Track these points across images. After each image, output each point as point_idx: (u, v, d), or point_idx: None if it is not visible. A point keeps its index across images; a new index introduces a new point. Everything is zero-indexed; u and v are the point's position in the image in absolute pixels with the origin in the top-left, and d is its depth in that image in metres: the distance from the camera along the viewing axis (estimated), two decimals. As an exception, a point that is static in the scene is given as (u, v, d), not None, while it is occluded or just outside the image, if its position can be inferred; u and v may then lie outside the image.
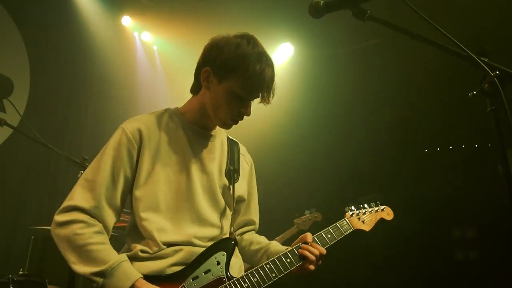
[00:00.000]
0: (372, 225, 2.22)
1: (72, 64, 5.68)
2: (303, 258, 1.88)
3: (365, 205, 2.25)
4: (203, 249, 1.80)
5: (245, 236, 2.13)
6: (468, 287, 4.71)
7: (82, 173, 2.86)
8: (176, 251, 1.76)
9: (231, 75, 1.77)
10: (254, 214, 2.17)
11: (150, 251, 1.74)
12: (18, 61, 5.10)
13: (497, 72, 1.23)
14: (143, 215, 1.76)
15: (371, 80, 5.65)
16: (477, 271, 4.73)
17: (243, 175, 2.05)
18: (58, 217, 1.70)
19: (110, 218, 1.75)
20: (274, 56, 6.55)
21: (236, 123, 1.88)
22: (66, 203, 1.72)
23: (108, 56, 6.03)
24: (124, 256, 1.67)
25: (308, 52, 6.40)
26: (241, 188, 2.02)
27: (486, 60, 1.27)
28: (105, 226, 1.74)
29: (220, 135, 2.03)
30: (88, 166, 2.97)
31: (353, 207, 2.18)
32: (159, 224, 1.76)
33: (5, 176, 4.75)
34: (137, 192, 1.78)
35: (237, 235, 2.10)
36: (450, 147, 5.08)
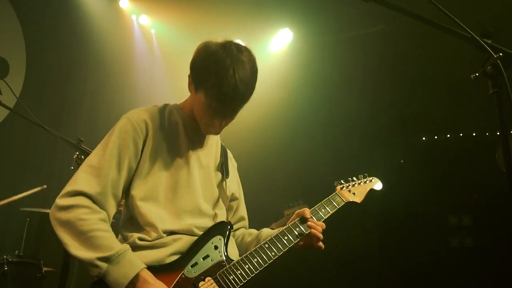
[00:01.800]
0: (363, 196, 2.26)
1: (69, 46, 5.63)
2: (300, 234, 1.89)
3: (354, 178, 2.30)
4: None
5: (237, 232, 2.16)
6: (463, 274, 4.74)
7: (77, 154, 2.84)
8: (175, 240, 1.75)
9: (202, 86, 1.76)
10: (244, 211, 2.20)
11: (149, 239, 1.72)
12: (14, 42, 5.05)
13: (501, 54, 1.22)
14: (143, 204, 1.75)
15: (371, 67, 5.62)
16: (472, 259, 4.77)
17: (232, 174, 2.09)
18: (61, 201, 1.66)
19: (112, 206, 1.74)
20: (273, 42, 6.50)
21: (219, 131, 1.90)
22: (70, 187, 1.68)
23: (105, 39, 5.97)
24: (128, 246, 1.65)
25: (307, 38, 6.34)
26: (232, 185, 2.07)
27: (489, 42, 1.26)
28: (107, 214, 1.72)
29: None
30: (83, 147, 2.97)
31: (342, 181, 2.23)
32: (159, 214, 1.76)
33: (1, 158, 4.72)
34: (138, 182, 1.77)
35: (233, 230, 2.12)
36: (448, 135, 5.08)
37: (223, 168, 2.00)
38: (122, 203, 1.87)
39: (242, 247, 2.06)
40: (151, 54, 6.68)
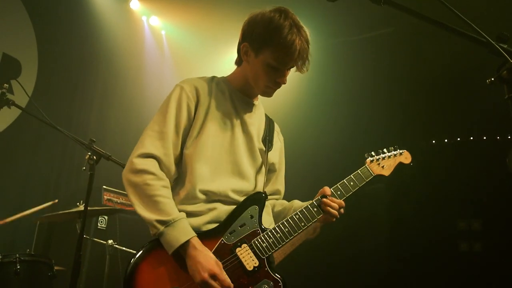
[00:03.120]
0: (392, 169, 2.31)
1: (80, 46, 5.67)
2: (324, 211, 2.00)
3: (384, 150, 2.34)
4: (234, 205, 1.94)
5: (268, 202, 2.23)
6: (472, 279, 4.71)
7: (89, 154, 2.86)
8: (210, 210, 1.90)
9: (265, 48, 1.93)
10: (280, 184, 2.31)
11: (187, 209, 1.87)
12: (26, 43, 5.09)
13: (517, 59, 1.21)
14: (190, 162, 1.92)
15: (380, 69, 5.60)
16: (482, 263, 4.73)
17: (276, 147, 2.21)
18: (135, 162, 1.86)
19: (173, 167, 1.93)
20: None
21: (275, 90, 2.04)
22: (140, 150, 1.88)
23: (116, 40, 6.01)
24: (184, 214, 1.82)
25: (315, 40, 6.32)
26: (273, 157, 2.18)
27: (505, 46, 1.25)
28: (170, 175, 1.91)
29: (261, 108, 2.23)
30: (95, 148, 2.99)
31: (373, 153, 2.28)
32: (202, 171, 1.91)
33: (13, 157, 4.76)
34: (189, 142, 1.95)
35: None
36: (458, 139, 5.05)
37: (266, 140, 2.13)
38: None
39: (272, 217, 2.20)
40: (161, 55, 6.71)
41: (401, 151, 2.39)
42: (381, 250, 5.34)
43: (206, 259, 1.73)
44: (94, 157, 2.87)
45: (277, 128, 2.31)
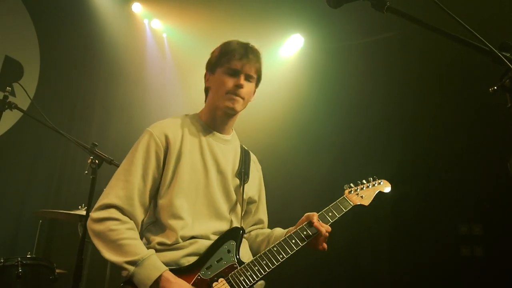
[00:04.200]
0: (371, 199, 2.33)
1: (82, 49, 5.68)
2: (307, 237, 2.01)
3: (363, 181, 2.37)
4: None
5: (252, 232, 2.31)
6: (474, 283, 4.70)
7: (92, 158, 2.88)
8: (191, 243, 1.92)
9: (219, 62, 2.10)
10: (263, 214, 2.36)
11: (168, 242, 1.91)
12: (29, 46, 5.11)
13: (520, 68, 1.21)
14: (166, 211, 1.94)
15: (382, 74, 5.60)
16: (483, 268, 4.72)
17: (253, 178, 2.24)
18: (95, 214, 1.88)
19: (140, 214, 1.94)
20: (284, 47, 6.52)
21: (237, 97, 2.07)
22: (102, 201, 1.90)
23: (117, 43, 6.03)
24: (152, 251, 1.84)
25: (318, 44, 6.35)
26: (251, 189, 2.20)
27: (508, 55, 1.25)
28: (136, 222, 1.92)
29: (234, 141, 2.25)
30: (97, 152, 3.00)
31: (351, 184, 2.31)
32: (180, 219, 1.93)
33: (14, 160, 4.77)
34: (163, 191, 1.96)
35: (248, 232, 2.29)
36: (459, 143, 5.04)
37: (241, 174, 2.15)
38: None
39: (254, 246, 2.23)
40: (162, 58, 6.72)
41: (379, 180, 2.43)
42: (383, 254, 5.34)
43: None
44: (96, 161, 2.88)
45: (253, 158, 2.33)
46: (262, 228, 2.35)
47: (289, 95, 6.04)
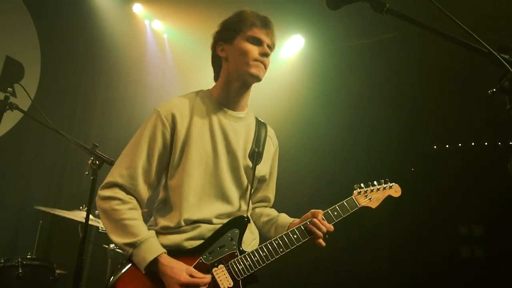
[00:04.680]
0: (379, 202, 2.29)
1: (83, 50, 5.69)
2: (310, 234, 2.01)
3: (374, 182, 2.32)
4: (218, 225, 1.99)
5: (257, 209, 2.32)
6: (474, 284, 4.70)
7: (92, 159, 2.87)
8: (194, 228, 1.95)
9: (238, 29, 2.04)
10: (271, 192, 2.36)
11: (171, 225, 1.95)
12: (29, 46, 5.11)
13: (518, 69, 1.21)
14: (175, 192, 1.97)
15: (382, 75, 5.61)
16: (483, 268, 4.72)
17: (267, 156, 2.21)
18: (101, 192, 1.96)
19: (144, 192, 1.98)
20: (284, 48, 6.52)
21: (263, 65, 2.04)
22: (108, 179, 1.97)
23: (118, 43, 6.03)
24: (152, 233, 1.92)
25: (319, 45, 6.36)
26: (263, 169, 2.18)
27: (507, 57, 1.25)
28: (140, 199, 1.98)
29: (248, 118, 2.19)
30: (98, 153, 3.00)
31: (362, 184, 2.26)
32: (190, 203, 1.95)
33: (15, 160, 4.77)
34: (172, 172, 1.99)
35: (252, 208, 2.29)
36: (459, 144, 5.05)
37: (254, 154, 2.12)
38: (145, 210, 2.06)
39: (257, 224, 2.26)
40: (163, 59, 6.73)
41: (391, 184, 2.37)
42: (382, 254, 5.34)
43: (174, 272, 1.81)
44: (97, 162, 2.88)
45: (270, 132, 2.30)
46: (267, 206, 2.35)
47: (289, 95, 6.04)
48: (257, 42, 2.02)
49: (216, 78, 2.16)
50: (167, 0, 6.16)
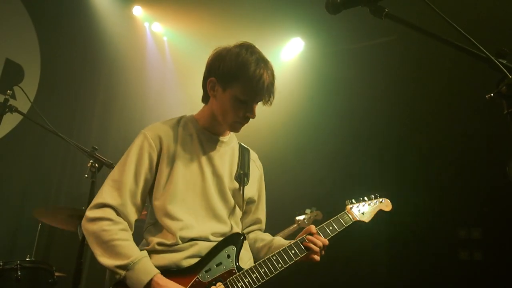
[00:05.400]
0: (372, 216, 2.36)
1: (82, 52, 5.70)
2: (307, 249, 2.02)
3: (365, 198, 2.39)
4: (215, 243, 1.97)
5: (251, 235, 2.30)
6: (473, 287, 4.70)
7: (91, 162, 2.89)
8: (192, 245, 1.92)
9: (234, 82, 1.95)
10: (262, 214, 2.34)
11: (168, 243, 1.90)
12: (29, 49, 5.12)
13: (516, 75, 1.22)
14: (164, 212, 1.94)
15: (382, 78, 5.61)
16: (482, 272, 4.72)
17: (253, 179, 2.21)
18: (89, 213, 1.89)
19: (133, 214, 1.94)
20: (284, 51, 6.53)
21: (243, 125, 2.06)
22: (96, 200, 1.91)
23: (118, 46, 6.04)
24: (145, 253, 1.85)
25: (318, 48, 6.37)
26: (251, 191, 2.19)
27: (504, 62, 1.26)
28: (128, 222, 1.93)
29: (232, 142, 2.21)
30: (97, 155, 3.01)
31: (353, 200, 2.32)
32: (178, 221, 1.92)
33: (14, 163, 4.77)
34: (158, 193, 1.97)
35: (246, 234, 2.26)
36: (459, 147, 5.05)
37: (240, 176, 2.13)
38: (144, 213, 2.04)
39: (253, 251, 2.21)
40: (163, 62, 6.74)
41: (381, 199, 2.44)
42: (381, 258, 5.34)
43: None
44: (96, 165, 2.89)
45: (253, 156, 2.30)
46: (259, 228, 2.34)
47: (289, 98, 6.03)
48: (246, 103, 1.97)
49: (204, 99, 2.13)
50: (167, 3, 6.17)
